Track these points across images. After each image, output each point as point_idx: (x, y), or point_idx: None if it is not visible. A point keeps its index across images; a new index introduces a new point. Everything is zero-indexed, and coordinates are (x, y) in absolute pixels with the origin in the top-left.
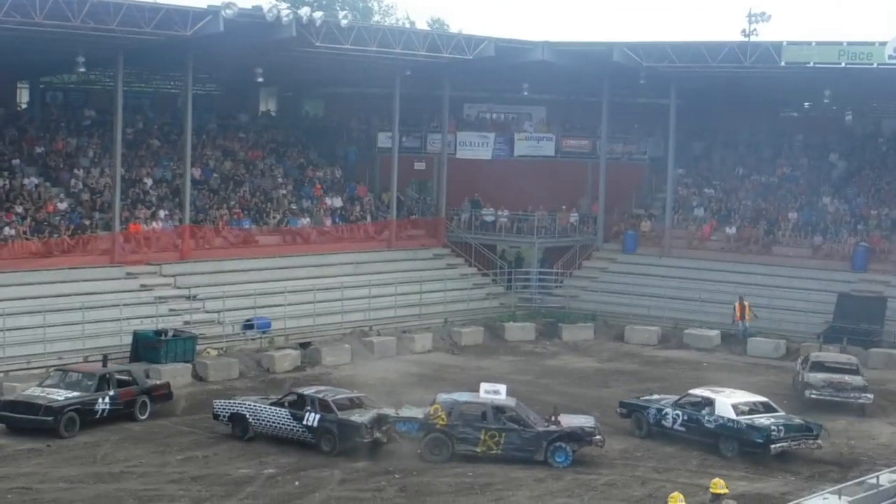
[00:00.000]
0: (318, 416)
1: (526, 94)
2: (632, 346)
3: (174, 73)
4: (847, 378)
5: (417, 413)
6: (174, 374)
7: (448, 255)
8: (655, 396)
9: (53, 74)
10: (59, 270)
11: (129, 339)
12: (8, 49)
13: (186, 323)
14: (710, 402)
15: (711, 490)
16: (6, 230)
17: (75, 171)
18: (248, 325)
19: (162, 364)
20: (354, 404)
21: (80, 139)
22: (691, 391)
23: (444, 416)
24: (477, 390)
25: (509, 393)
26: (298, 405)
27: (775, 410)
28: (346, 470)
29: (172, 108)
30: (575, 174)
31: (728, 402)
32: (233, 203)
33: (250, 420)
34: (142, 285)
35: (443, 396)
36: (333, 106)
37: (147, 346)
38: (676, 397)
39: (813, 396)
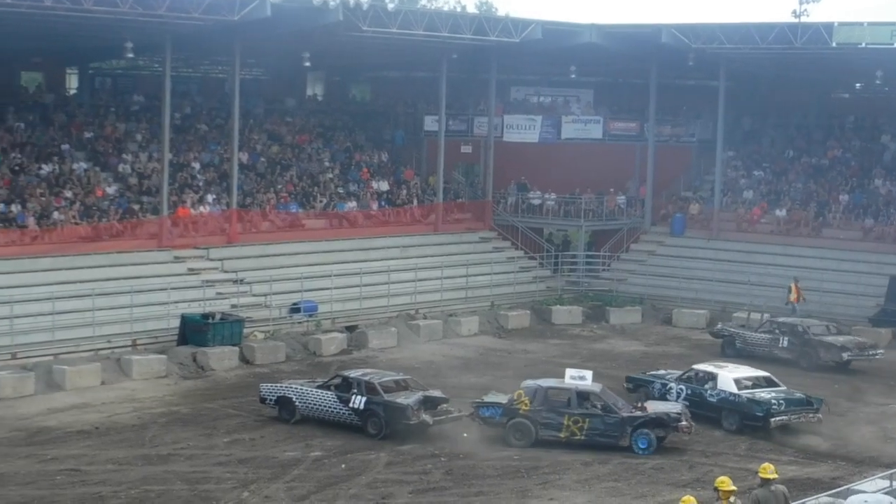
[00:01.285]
0: (364, 399)
1: (573, 76)
2: (679, 329)
3: (221, 58)
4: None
5: (502, 398)
6: (221, 358)
7: (495, 239)
8: (662, 371)
9: (102, 60)
10: (108, 255)
11: (176, 323)
12: (58, 35)
13: (233, 306)
14: (713, 377)
15: (761, 475)
16: (56, 215)
17: (124, 155)
18: (294, 309)
19: (209, 347)
20: (400, 386)
21: (128, 124)
22: (695, 366)
23: (527, 402)
24: (558, 376)
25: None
26: (344, 388)
27: (777, 385)
28: (393, 453)
29: (220, 93)
30: (622, 157)
31: (730, 376)
32: (280, 187)
33: (297, 403)
34: (189, 269)
35: (527, 382)
36: (380, 90)
37: (194, 330)
38: (675, 372)
39: None
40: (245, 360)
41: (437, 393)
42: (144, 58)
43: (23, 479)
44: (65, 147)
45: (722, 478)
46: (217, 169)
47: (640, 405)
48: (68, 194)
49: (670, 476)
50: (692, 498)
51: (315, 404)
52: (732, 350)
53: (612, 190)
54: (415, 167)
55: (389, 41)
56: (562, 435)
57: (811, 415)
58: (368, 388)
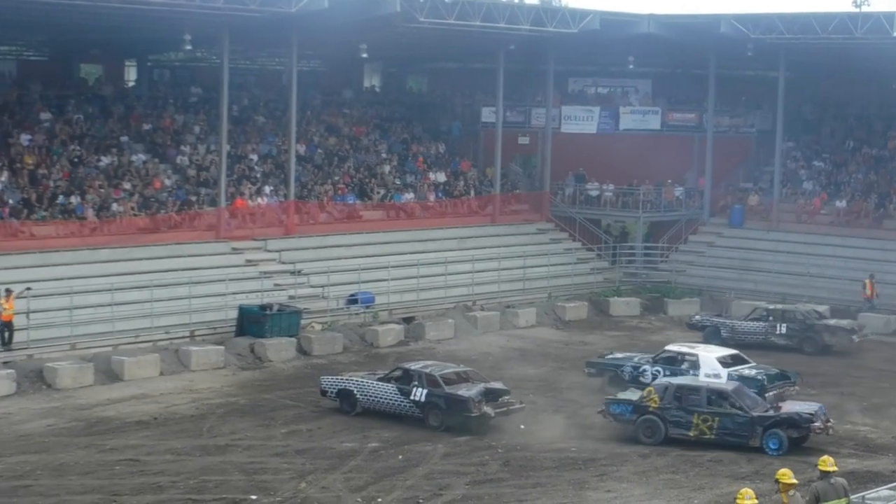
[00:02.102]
0: (425, 391)
1: (631, 67)
2: None
3: (279, 50)
4: None
5: (633, 396)
6: (279, 349)
7: (552, 230)
8: (619, 354)
9: (161, 52)
10: (166, 246)
11: (234, 314)
12: (116, 28)
13: (291, 297)
14: (692, 357)
15: (820, 467)
16: (114, 206)
17: (182, 147)
18: (352, 300)
19: (267, 338)
20: (461, 378)
21: (186, 116)
22: (668, 347)
23: (656, 399)
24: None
25: None
26: (405, 380)
27: (748, 361)
28: (450, 444)
29: (277, 85)
30: (681, 148)
31: (711, 355)
32: (337, 178)
33: (358, 396)
34: (247, 260)
35: (662, 379)
36: (437, 81)
37: (252, 321)
38: (644, 354)
39: None
40: (302, 351)
41: (498, 385)
42: (202, 50)
43: (82, 468)
44: (123, 139)
45: (783, 470)
46: (274, 160)
47: (776, 404)
48: (127, 186)
49: (729, 468)
50: (750, 490)
51: (376, 397)
52: (718, 340)
53: (670, 181)
54: (472, 158)
55: (447, 32)
56: (691, 433)
57: (791, 388)
58: (429, 381)
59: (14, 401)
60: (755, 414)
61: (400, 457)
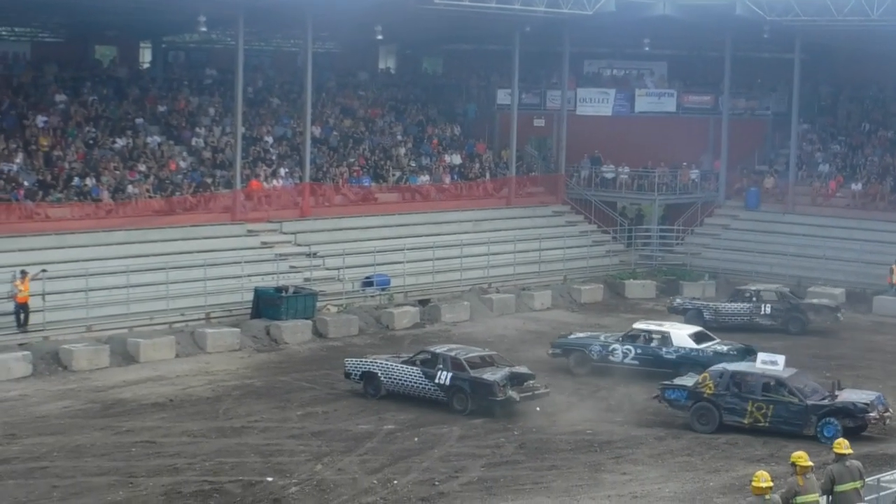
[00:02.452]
0: (450, 375)
1: (647, 49)
2: None
3: (294, 32)
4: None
5: (688, 382)
6: (294, 331)
7: (568, 213)
8: (581, 334)
9: (175, 34)
10: (182, 228)
11: (250, 296)
12: (131, 9)
13: (306, 280)
14: (664, 335)
15: (835, 450)
16: (130, 188)
17: (197, 129)
18: (367, 282)
19: (282, 320)
20: (486, 362)
21: (201, 98)
22: (635, 325)
23: (711, 385)
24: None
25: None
26: (430, 363)
27: (713, 338)
28: (465, 426)
29: (292, 67)
30: (696, 130)
31: (683, 333)
32: (352, 161)
33: (382, 378)
34: (262, 242)
35: (717, 366)
36: (452, 63)
37: (268, 303)
38: (609, 333)
39: None
40: (318, 333)
41: (523, 369)
42: (217, 31)
43: (99, 450)
44: (138, 121)
45: (799, 452)
46: (290, 143)
47: (833, 393)
48: (142, 168)
49: (744, 451)
50: (765, 473)
51: (400, 380)
52: (700, 323)
53: (685, 163)
54: (487, 141)
55: (462, 14)
56: (745, 421)
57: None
58: (454, 364)
59: (30, 383)
60: (810, 402)
61: (416, 439)
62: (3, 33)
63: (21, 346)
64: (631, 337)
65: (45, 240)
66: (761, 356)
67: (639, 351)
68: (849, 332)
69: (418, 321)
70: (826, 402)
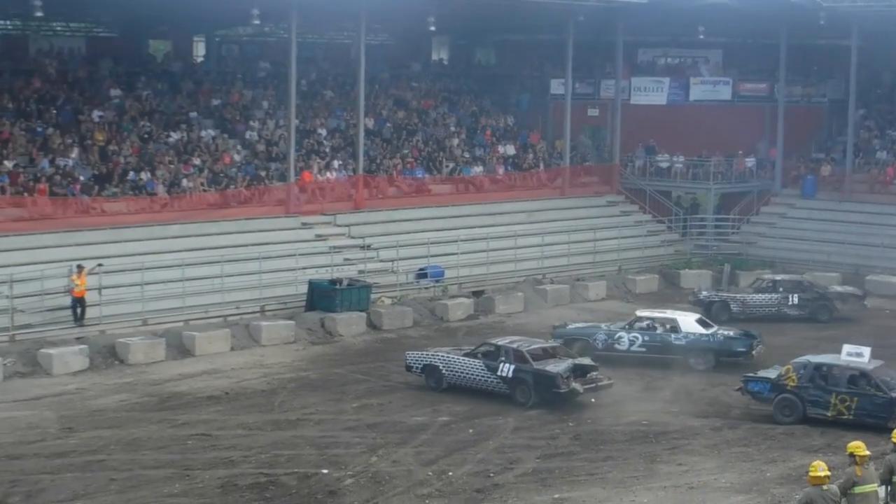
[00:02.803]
0: (512, 367)
1: (702, 37)
2: None
3: (347, 24)
4: None
5: (772, 373)
6: (349, 323)
7: (622, 202)
8: (580, 324)
9: (229, 27)
10: (236, 221)
11: (304, 289)
12: (185, 4)
13: (361, 272)
14: (672, 322)
15: (894, 440)
16: (184, 182)
17: (251, 122)
18: (421, 274)
19: (337, 313)
20: (549, 354)
21: (255, 91)
22: (639, 314)
23: (794, 377)
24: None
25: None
26: (492, 356)
27: (712, 325)
28: (520, 418)
29: (345, 59)
30: (752, 118)
31: (690, 319)
32: (406, 152)
33: (444, 371)
34: (317, 235)
35: (801, 358)
36: (505, 53)
37: (322, 295)
38: (612, 323)
39: None
40: (372, 325)
41: (586, 361)
42: (270, 24)
43: (155, 443)
44: (192, 115)
45: (856, 442)
46: (343, 135)
47: None
48: (196, 162)
49: (801, 441)
50: (822, 463)
51: (462, 372)
52: (727, 315)
53: (741, 152)
54: (541, 131)
55: (515, 4)
56: (829, 413)
57: (759, 346)
58: (517, 356)
59: (87, 376)
60: (894, 395)
61: (470, 430)
62: (59, 29)
63: (78, 339)
64: (636, 325)
65: (100, 234)
66: (847, 348)
67: (646, 338)
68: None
69: (472, 313)
70: None
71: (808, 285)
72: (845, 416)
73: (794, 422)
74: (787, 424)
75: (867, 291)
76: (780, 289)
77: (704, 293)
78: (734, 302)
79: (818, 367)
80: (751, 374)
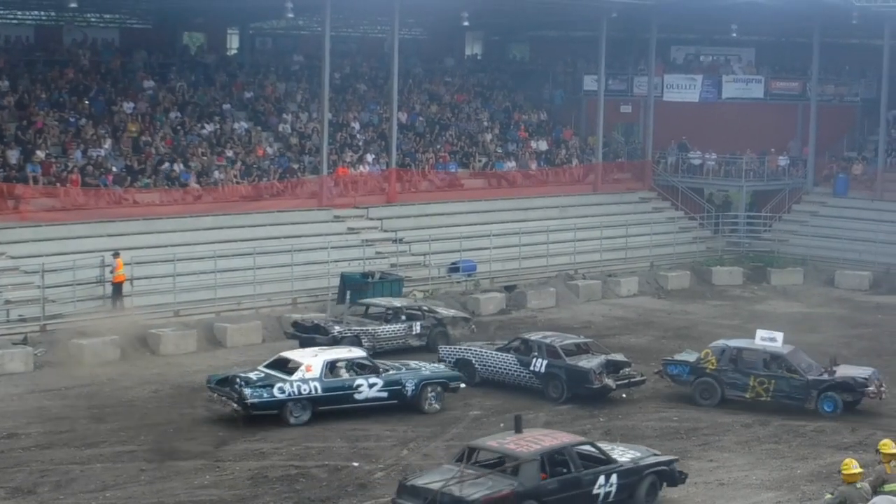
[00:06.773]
0: (545, 362)
1: (734, 35)
2: (842, 291)
3: (381, 18)
4: None
5: (691, 357)
6: None
7: (654, 199)
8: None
9: (262, 20)
10: (269, 213)
11: (336, 282)
12: None
13: (393, 265)
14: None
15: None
16: (217, 174)
17: (284, 115)
18: (453, 268)
19: None
20: (581, 350)
21: (288, 84)
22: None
23: (714, 361)
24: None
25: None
26: (525, 351)
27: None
28: (551, 412)
29: (379, 53)
30: (784, 116)
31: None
32: (439, 147)
33: (476, 366)
34: (349, 228)
35: (718, 342)
36: (539, 49)
37: (354, 289)
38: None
39: None
40: None
41: (619, 356)
42: (304, 17)
43: (185, 434)
44: (226, 107)
45: (886, 441)
46: (376, 129)
47: (829, 369)
48: (229, 154)
49: (832, 438)
50: (854, 460)
51: (495, 367)
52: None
53: (773, 150)
54: (574, 127)
55: (549, 0)
56: (747, 395)
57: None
58: (549, 352)
59: (118, 366)
60: (810, 378)
61: (501, 424)
62: (93, 20)
63: (109, 329)
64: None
65: (133, 225)
66: (760, 333)
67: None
68: None
69: (504, 307)
70: (826, 377)
71: (426, 312)
72: (763, 398)
73: (712, 404)
74: (706, 406)
75: (473, 313)
76: (403, 317)
77: (338, 328)
78: (365, 336)
79: (736, 350)
80: (669, 358)
